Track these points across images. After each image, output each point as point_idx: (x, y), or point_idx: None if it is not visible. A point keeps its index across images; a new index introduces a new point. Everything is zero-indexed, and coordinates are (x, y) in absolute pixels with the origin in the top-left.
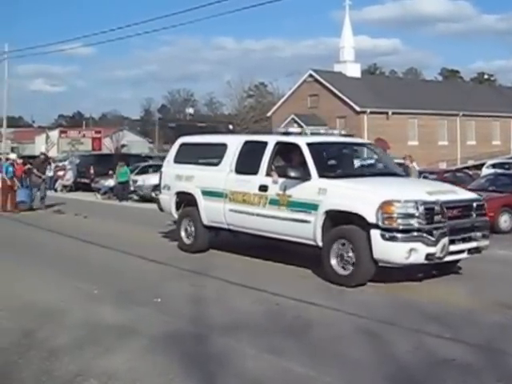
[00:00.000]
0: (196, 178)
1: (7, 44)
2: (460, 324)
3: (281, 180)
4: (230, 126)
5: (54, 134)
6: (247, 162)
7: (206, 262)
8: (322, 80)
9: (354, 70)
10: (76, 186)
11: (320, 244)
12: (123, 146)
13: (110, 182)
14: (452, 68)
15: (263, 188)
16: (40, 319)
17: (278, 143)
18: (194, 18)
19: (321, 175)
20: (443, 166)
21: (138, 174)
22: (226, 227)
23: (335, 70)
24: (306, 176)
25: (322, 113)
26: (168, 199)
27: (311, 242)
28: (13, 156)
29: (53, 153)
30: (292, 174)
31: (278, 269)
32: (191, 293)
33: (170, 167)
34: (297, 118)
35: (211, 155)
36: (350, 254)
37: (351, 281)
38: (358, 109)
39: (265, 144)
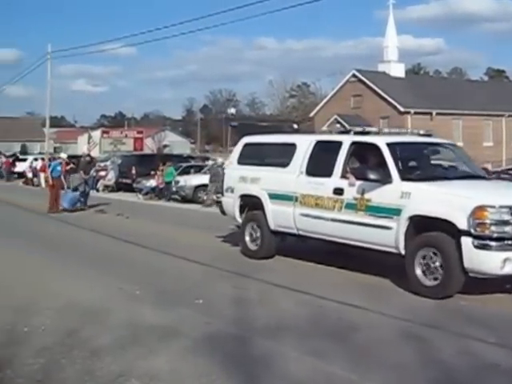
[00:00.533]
0: (262, 180)
1: (50, 44)
2: (506, 328)
3: (358, 183)
4: (295, 126)
5: (96, 134)
6: (319, 164)
7: (249, 264)
8: (365, 80)
9: (397, 70)
10: (118, 187)
11: (403, 252)
12: (165, 146)
13: (152, 183)
14: (498, 68)
15: (338, 191)
16: (83, 319)
17: (353, 143)
18: (234, 18)
19: (403, 178)
20: (488, 167)
21: (179, 174)
22: (295, 232)
23: (379, 70)
24: (386, 179)
25: (366, 113)
26: (231, 202)
27: (392, 250)
28: (63, 155)
29: (95, 153)
30: (371, 176)
31: (328, 272)
32: (233, 294)
33: (233, 169)
34: (340, 119)
35: (278, 156)
36: (438, 264)
37: (438, 292)
38: (401, 109)
39: (339, 144)
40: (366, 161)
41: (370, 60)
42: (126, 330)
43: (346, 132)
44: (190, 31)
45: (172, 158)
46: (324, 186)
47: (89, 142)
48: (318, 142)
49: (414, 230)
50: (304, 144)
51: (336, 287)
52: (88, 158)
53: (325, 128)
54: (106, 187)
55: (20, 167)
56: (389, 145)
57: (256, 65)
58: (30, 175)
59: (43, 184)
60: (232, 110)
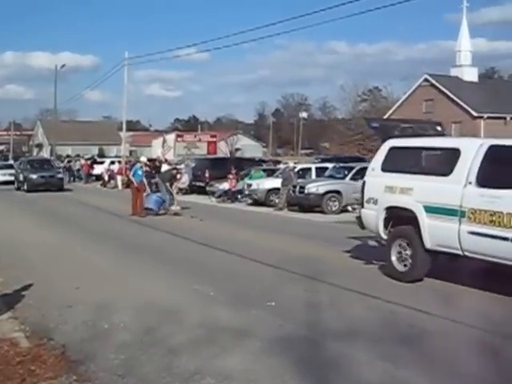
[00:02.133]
0: (416, 191)
1: (127, 52)
2: None
3: None
4: (439, 128)
5: (171, 137)
6: (496, 173)
7: (318, 266)
8: (437, 84)
9: (470, 74)
10: (191, 189)
11: None
12: (237, 149)
13: (225, 186)
14: None
15: None
16: (160, 318)
17: None
18: (306, 24)
19: None
20: None
21: (251, 178)
22: (458, 253)
23: (451, 74)
24: None
25: (437, 118)
26: (374, 215)
27: None
28: (143, 159)
29: (169, 156)
30: None
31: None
32: (305, 297)
33: (376, 176)
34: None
35: (435, 162)
36: None
37: None
38: (474, 114)
39: None
40: None
41: (442, 64)
42: (201, 330)
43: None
44: (261, 37)
45: (244, 162)
46: (503, 201)
47: (163, 146)
48: (492, 147)
49: None
50: (471, 149)
51: (402, 291)
52: (174, 171)
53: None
54: (180, 190)
55: (98, 170)
56: None
57: (327, 69)
58: (106, 178)
59: (120, 186)
60: (304, 114)
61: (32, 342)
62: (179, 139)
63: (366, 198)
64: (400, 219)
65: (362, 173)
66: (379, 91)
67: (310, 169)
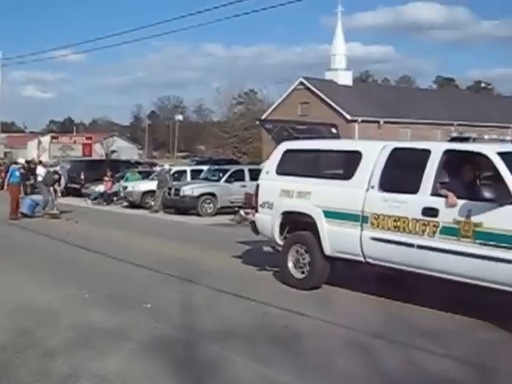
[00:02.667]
0: (315, 195)
1: (0, 52)
2: (450, 339)
3: (461, 202)
4: (334, 130)
5: (46, 139)
6: (399, 177)
7: (194, 268)
8: (312, 88)
9: (345, 78)
10: (66, 191)
11: None
12: (113, 152)
13: (101, 188)
14: (447, 76)
15: (430, 212)
16: (35, 321)
17: (447, 152)
18: (182, 26)
19: None
20: None
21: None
22: (360, 259)
23: (326, 78)
24: (505, 198)
25: (313, 120)
26: (269, 220)
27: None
28: (21, 160)
29: (44, 158)
30: (487, 194)
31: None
32: (181, 299)
33: (271, 180)
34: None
35: (335, 166)
36: None
37: None
38: (348, 117)
39: (426, 153)
40: (464, 174)
41: (318, 67)
42: (77, 332)
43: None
44: (136, 39)
45: (120, 164)
46: (408, 205)
47: (38, 148)
48: (396, 150)
49: None
50: (373, 152)
51: (275, 293)
52: (57, 176)
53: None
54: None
55: None
56: (501, 155)
57: (203, 71)
58: None
59: None
60: (179, 117)
61: None
62: (54, 141)
63: (260, 202)
64: (297, 224)
65: (236, 175)
66: (255, 94)
67: (185, 171)
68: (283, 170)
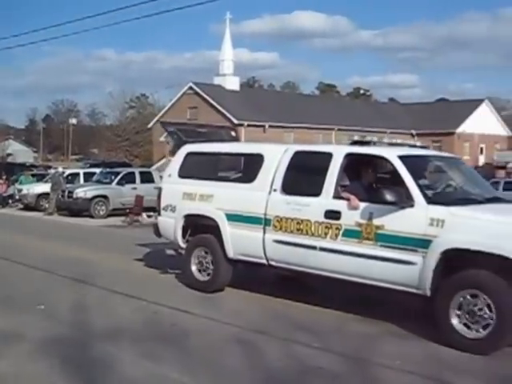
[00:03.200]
0: (217, 198)
1: None
2: (328, 333)
3: (363, 205)
4: (233, 133)
5: None
6: (301, 180)
7: (89, 270)
8: (201, 92)
9: (233, 83)
10: None
11: (429, 293)
12: (8, 155)
13: None
14: (329, 83)
15: (332, 214)
16: None
17: (348, 155)
18: (73, 31)
19: (429, 201)
20: None
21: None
22: (263, 262)
23: (215, 83)
24: (406, 201)
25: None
26: (171, 223)
27: (413, 290)
28: None
29: None
30: (388, 197)
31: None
32: (75, 300)
33: (173, 183)
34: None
35: (237, 168)
36: (486, 311)
37: (486, 348)
38: (235, 121)
39: (328, 156)
40: (365, 178)
41: (208, 73)
42: None
43: None
44: (31, 42)
45: (15, 167)
46: (311, 208)
47: None
48: (298, 153)
49: (445, 266)
50: (275, 155)
51: (164, 292)
52: None
53: (162, 139)
54: None
55: None
56: (402, 158)
57: (96, 76)
58: None
59: None
60: (73, 121)
61: None
62: None
63: (162, 206)
64: (200, 227)
65: (127, 178)
66: (146, 98)
67: (78, 174)
68: (185, 173)
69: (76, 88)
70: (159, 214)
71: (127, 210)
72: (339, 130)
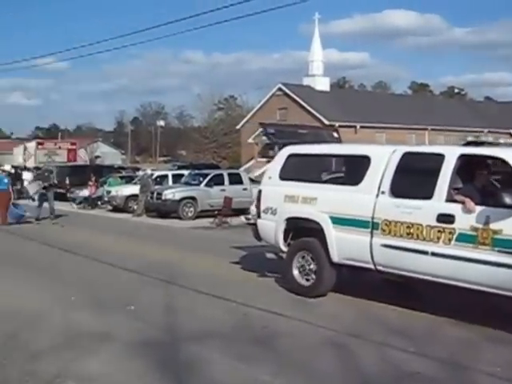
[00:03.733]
0: (321, 201)
1: None
2: (423, 337)
3: (479, 208)
4: (335, 134)
5: (32, 145)
6: (411, 182)
7: (177, 271)
8: (290, 93)
9: (322, 84)
10: None
11: None
12: (97, 157)
13: (85, 192)
14: (422, 82)
15: (446, 218)
16: (21, 323)
17: (462, 156)
18: (162, 34)
19: None
20: None
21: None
22: (370, 267)
23: (304, 84)
24: None
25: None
26: (272, 226)
27: None
28: (7, 167)
29: (30, 163)
30: (508, 200)
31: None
32: (164, 302)
33: (274, 185)
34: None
35: (342, 171)
36: None
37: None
38: (326, 122)
39: (440, 157)
40: (480, 180)
41: (297, 73)
42: (63, 334)
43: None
44: (116, 48)
45: (103, 169)
46: (422, 211)
47: (24, 153)
48: (407, 155)
49: None
50: (382, 157)
51: (255, 294)
52: (51, 174)
53: (251, 140)
54: None
55: None
56: None
57: (184, 78)
58: None
59: None
60: (161, 123)
61: None
62: (40, 147)
63: (262, 208)
64: (302, 231)
65: (215, 179)
66: (234, 100)
67: (166, 176)
68: (287, 175)
69: (164, 90)
70: (259, 217)
71: (215, 212)
72: (433, 130)
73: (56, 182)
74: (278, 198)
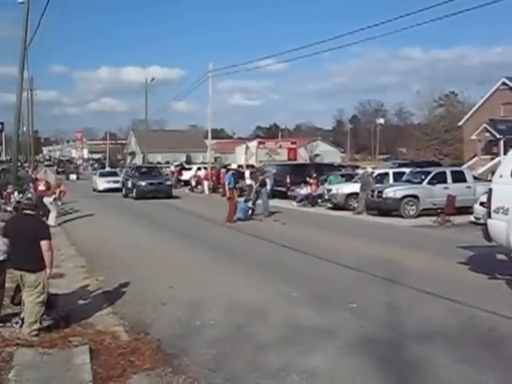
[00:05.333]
0: None
1: (211, 64)
2: None
3: None
4: None
5: (253, 144)
6: None
7: (399, 269)
8: None
9: None
10: (273, 194)
11: None
12: (316, 155)
13: (305, 191)
14: None
15: None
16: (247, 316)
17: None
18: (381, 33)
19: None
20: None
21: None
22: None
23: None
24: None
25: None
26: (504, 227)
27: None
28: (234, 166)
29: (251, 162)
30: None
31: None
32: (386, 300)
33: (506, 184)
34: (489, 128)
35: None
36: None
37: None
38: None
39: None
40: None
41: None
42: (285, 329)
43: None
44: (338, 46)
45: (323, 167)
46: None
47: (246, 153)
48: None
49: None
50: None
51: (480, 294)
52: (258, 173)
53: (474, 137)
54: None
55: (186, 176)
56: None
57: (403, 75)
58: (194, 183)
59: (207, 191)
60: (380, 120)
61: (131, 336)
62: (261, 146)
63: (493, 208)
64: None
65: (438, 177)
66: (455, 96)
67: (387, 174)
68: None
69: (383, 88)
70: (489, 217)
71: (438, 210)
72: None
73: (266, 180)
74: (511, 197)
